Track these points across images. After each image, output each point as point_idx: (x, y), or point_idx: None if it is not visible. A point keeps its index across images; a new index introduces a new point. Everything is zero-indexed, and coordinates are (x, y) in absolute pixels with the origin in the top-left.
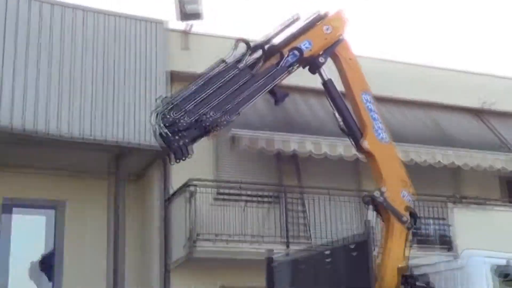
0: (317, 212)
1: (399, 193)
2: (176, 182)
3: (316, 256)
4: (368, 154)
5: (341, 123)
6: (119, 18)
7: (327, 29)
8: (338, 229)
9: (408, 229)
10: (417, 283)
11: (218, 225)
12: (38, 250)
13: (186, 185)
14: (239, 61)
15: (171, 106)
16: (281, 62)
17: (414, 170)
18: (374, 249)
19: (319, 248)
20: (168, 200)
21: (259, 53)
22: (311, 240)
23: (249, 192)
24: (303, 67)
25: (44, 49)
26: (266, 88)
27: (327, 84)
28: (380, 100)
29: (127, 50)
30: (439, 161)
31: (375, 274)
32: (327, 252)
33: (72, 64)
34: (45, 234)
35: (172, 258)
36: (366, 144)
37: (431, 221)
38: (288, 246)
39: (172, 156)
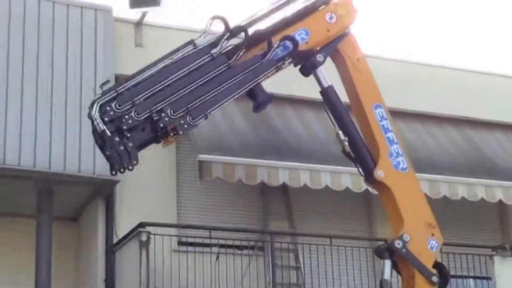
0: (314, 266)
1: (425, 242)
2: (124, 225)
3: None
4: (382, 187)
5: (347, 145)
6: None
7: (331, 18)
8: None
9: None
10: None
11: (181, 283)
12: None
13: (137, 230)
14: (213, 45)
15: (115, 94)
16: (269, 54)
17: (445, 209)
18: None
19: None
20: (113, 248)
21: (240, 38)
22: None
23: (222, 240)
24: (295, 65)
25: None
26: (246, 86)
27: (328, 93)
28: (398, 114)
29: (59, 48)
30: (481, 198)
31: None
32: None
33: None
34: None
35: None
36: (380, 174)
37: (470, 281)
38: None
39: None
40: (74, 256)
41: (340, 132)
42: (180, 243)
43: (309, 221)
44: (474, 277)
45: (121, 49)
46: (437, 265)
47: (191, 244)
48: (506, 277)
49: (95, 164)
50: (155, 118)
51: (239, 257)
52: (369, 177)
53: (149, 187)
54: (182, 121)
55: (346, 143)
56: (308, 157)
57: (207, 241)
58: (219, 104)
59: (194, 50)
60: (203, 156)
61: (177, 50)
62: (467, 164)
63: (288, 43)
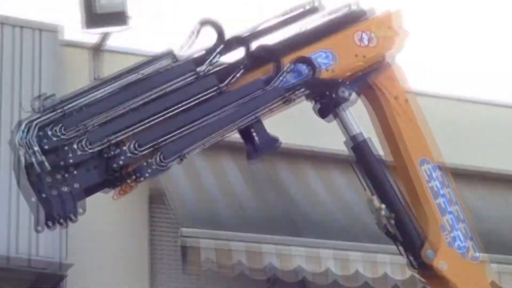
0: None
1: None
2: None
3: None
4: (437, 278)
5: (386, 220)
6: None
7: (366, 39)
8: None
9: None
10: None
11: None
12: None
13: None
14: (200, 60)
15: (60, 114)
16: (275, 79)
17: None
18: None
19: None
20: None
21: (237, 53)
22: None
23: None
24: (311, 99)
25: None
26: (241, 120)
27: (361, 148)
28: (458, 174)
29: None
30: None
31: None
32: None
33: None
34: None
35: None
36: (438, 264)
37: None
38: None
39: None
40: None
41: (377, 201)
42: None
43: None
44: None
45: (73, 83)
46: None
47: None
48: None
49: (36, 243)
50: (111, 153)
51: None
52: (416, 261)
53: (112, 276)
54: (149, 161)
55: (388, 218)
56: (331, 236)
57: None
58: (202, 141)
59: (174, 65)
60: (187, 233)
61: (150, 61)
62: None
63: (303, 67)
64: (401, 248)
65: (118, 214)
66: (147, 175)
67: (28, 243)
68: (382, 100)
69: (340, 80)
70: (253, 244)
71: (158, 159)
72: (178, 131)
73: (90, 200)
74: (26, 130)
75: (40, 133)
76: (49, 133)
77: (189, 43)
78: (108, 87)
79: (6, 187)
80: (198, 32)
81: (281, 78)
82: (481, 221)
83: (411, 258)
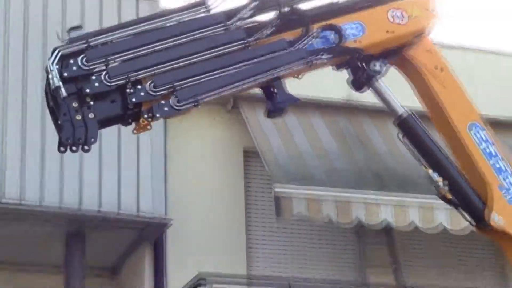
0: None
1: None
2: (177, 277)
3: None
4: (499, 235)
5: (445, 190)
6: None
7: (399, 17)
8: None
9: None
10: None
11: None
12: None
13: (195, 284)
14: (232, 13)
15: (85, 45)
16: (300, 41)
17: None
18: None
19: None
20: None
21: (269, 15)
22: None
23: None
24: (338, 68)
25: None
26: (261, 75)
27: (410, 122)
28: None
29: None
30: None
31: None
32: None
33: None
34: None
35: None
36: (496, 219)
37: None
38: None
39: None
40: None
41: (432, 172)
42: None
43: (421, 272)
44: None
45: None
46: None
47: None
48: None
49: (139, 202)
50: (128, 90)
51: None
52: (481, 223)
53: (209, 229)
54: (163, 102)
55: (446, 187)
56: (419, 189)
57: None
58: (219, 90)
59: (205, 15)
60: (280, 188)
61: (182, 9)
62: None
63: (331, 34)
64: (461, 211)
65: (215, 169)
66: (159, 115)
67: (135, 201)
68: (422, 72)
69: (372, 54)
70: (342, 198)
71: (173, 101)
72: (197, 77)
73: (187, 156)
74: (52, 55)
75: (63, 61)
76: (71, 61)
77: None
78: (138, 28)
79: (115, 152)
80: None
81: (306, 41)
82: None
83: (470, 219)
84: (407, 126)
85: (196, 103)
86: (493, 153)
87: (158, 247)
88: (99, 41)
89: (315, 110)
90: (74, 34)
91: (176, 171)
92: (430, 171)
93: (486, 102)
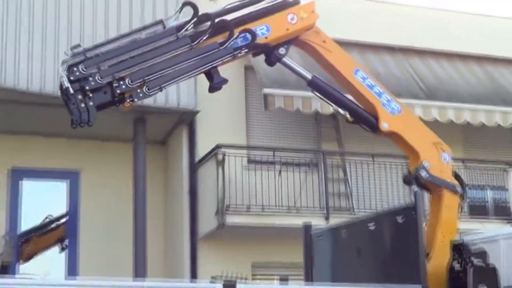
0: (360, 180)
1: (440, 159)
2: (203, 147)
3: (359, 223)
4: (390, 134)
5: (348, 116)
6: None
7: (292, 18)
8: (383, 200)
9: (462, 198)
10: (474, 260)
11: (250, 194)
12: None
13: (214, 151)
14: (180, 27)
15: (83, 58)
16: (227, 42)
17: (468, 132)
18: (423, 221)
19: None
20: (194, 167)
21: (206, 25)
22: (353, 212)
23: (283, 159)
24: (254, 55)
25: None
26: (202, 67)
27: (314, 82)
28: (431, 53)
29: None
30: (497, 123)
31: (425, 248)
32: (371, 219)
33: (82, 17)
34: (62, 201)
35: (200, 230)
36: (385, 125)
37: (488, 191)
38: (327, 219)
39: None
40: (164, 174)
41: (339, 109)
42: (249, 161)
43: (355, 143)
44: (492, 187)
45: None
46: (455, 176)
47: (258, 162)
48: None
49: (179, 97)
50: (114, 85)
51: (298, 173)
52: (377, 131)
53: (223, 115)
54: (138, 90)
55: (348, 114)
56: None
57: (271, 159)
58: (175, 79)
59: (162, 30)
60: (267, 90)
61: (147, 27)
62: (485, 94)
63: (248, 35)
64: (366, 127)
65: (225, 76)
66: (137, 99)
67: (176, 98)
68: (315, 46)
69: (277, 44)
70: (305, 96)
71: (145, 89)
72: (159, 72)
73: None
74: (64, 67)
75: (70, 69)
76: (75, 69)
77: (175, 16)
78: (118, 41)
79: None
80: (181, 9)
81: (232, 42)
82: (443, 82)
83: (369, 129)
84: (315, 84)
85: (160, 90)
86: (372, 84)
87: (191, 127)
88: (92, 53)
89: None
90: (75, 50)
91: (202, 75)
92: (339, 108)
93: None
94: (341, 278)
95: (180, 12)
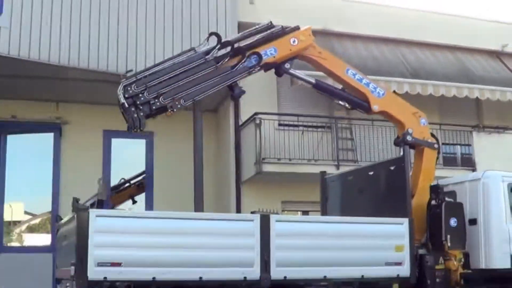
0: (362, 139)
1: (419, 123)
2: (245, 114)
3: (361, 170)
4: (381, 112)
5: (347, 105)
6: None
7: (294, 41)
8: (380, 153)
9: (438, 152)
10: (446, 198)
11: (280, 149)
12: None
13: (253, 117)
14: (207, 52)
15: (135, 79)
16: (239, 64)
17: (443, 103)
18: (409, 168)
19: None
20: (238, 129)
21: (228, 49)
22: (357, 162)
23: (305, 123)
24: (265, 70)
25: None
26: (224, 83)
27: (319, 84)
28: (416, 44)
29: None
30: (465, 95)
31: (411, 190)
32: (370, 167)
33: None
34: (142, 155)
35: (243, 176)
36: (376, 108)
37: (458, 147)
38: (338, 168)
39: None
40: (215, 134)
41: (340, 102)
42: (279, 124)
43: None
44: (460, 144)
45: (239, 4)
46: (432, 135)
47: (286, 125)
48: (480, 144)
49: None
50: (151, 102)
51: (316, 133)
52: (369, 112)
53: (260, 90)
54: (177, 102)
55: (346, 104)
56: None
57: (296, 123)
58: (205, 93)
59: (193, 55)
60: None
61: (183, 53)
62: (457, 75)
63: (255, 57)
64: (362, 110)
65: None
66: (176, 109)
67: None
68: (313, 57)
69: (283, 61)
70: (321, 75)
71: (182, 101)
72: (192, 88)
73: None
74: (120, 87)
75: (125, 88)
76: (129, 88)
77: (203, 44)
78: (161, 65)
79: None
80: (208, 38)
81: (245, 62)
82: (424, 65)
83: (363, 112)
84: (318, 86)
85: (193, 101)
86: (361, 78)
87: (236, 99)
88: (141, 75)
89: None
90: (129, 74)
91: None
92: (340, 102)
93: None
94: (348, 211)
95: (207, 40)
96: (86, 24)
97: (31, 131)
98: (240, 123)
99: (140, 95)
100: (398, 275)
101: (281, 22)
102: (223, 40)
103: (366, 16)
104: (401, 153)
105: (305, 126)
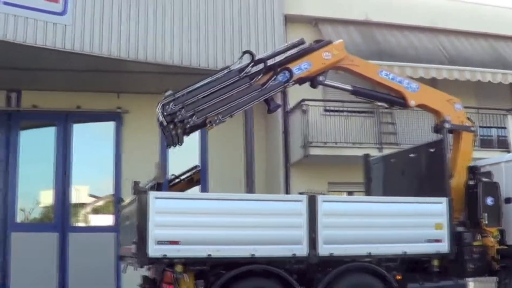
0: (403, 123)
1: (455, 110)
2: (293, 100)
3: (403, 152)
4: (418, 105)
5: (385, 105)
6: None
7: (327, 55)
8: (419, 136)
9: (475, 135)
10: (483, 178)
11: (326, 133)
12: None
13: (300, 103)
14: (242, 70)
15: (173, 98)
16: (270, 79)
17: (480, 88)
18: (448, 151)
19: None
20: (287, 115)
21: (261, 66)
22: (399, 145)
23: (349, 108)
24: (300, 84)
25: None
26: (260, 98)
27: (356, 90)
28: (452, 32)
29: None
30: (499, 81)
31: (450, 171)
32: (411, 149)
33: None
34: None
35: (291, 159)
36: (413, 103)
37: (493, 129)
38: (381, 150)
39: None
40: (265, 120)
41: (378, 103)
42: (325, 110)
43: None
44: (496, 127)
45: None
46: (468, 119)
47: (331, 110)
48: None
49: None
50: (185, 121)
51: (360, 118)
52: (407, 107)
53: None
54: (215, 118)
55: (385, 104)
56: (408, 60)
57: (341, 109)
58: (241, 108)
59: (228, 72)
60: None
61: (218, 71)
62: (491, 61)
63: (286, 73)
64: (400, 107)
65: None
66: (215, 124)
67: None
68: (347, 66)
69: (318, 74)
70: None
71: (220, 117)
72: (229, 104)
73: None
74: (159, 106)
75: (164, 107)
76: (167, 107)
77: (238, 62)
78: (197, 84)
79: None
80: (242, 56)
81: (278, 77)
82: (458, 52)
83: (401, 108)
84: (356, 91)
85: (231, 116)
86: (394, 76)
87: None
88: (179, 95)
89: None
90: (168, 93)
91: None
92: (379, 103)
93: None
94: (390, 192)
95: (241, 58)
96: (144, 19)
97: (94, 120)
98: (289, 108)
99: (178, 113)
100: (438, 251)
101: (324, 14)
102: (256, 58)
103: (404, 7)
104: (440, 137)
105: (349, 111)
